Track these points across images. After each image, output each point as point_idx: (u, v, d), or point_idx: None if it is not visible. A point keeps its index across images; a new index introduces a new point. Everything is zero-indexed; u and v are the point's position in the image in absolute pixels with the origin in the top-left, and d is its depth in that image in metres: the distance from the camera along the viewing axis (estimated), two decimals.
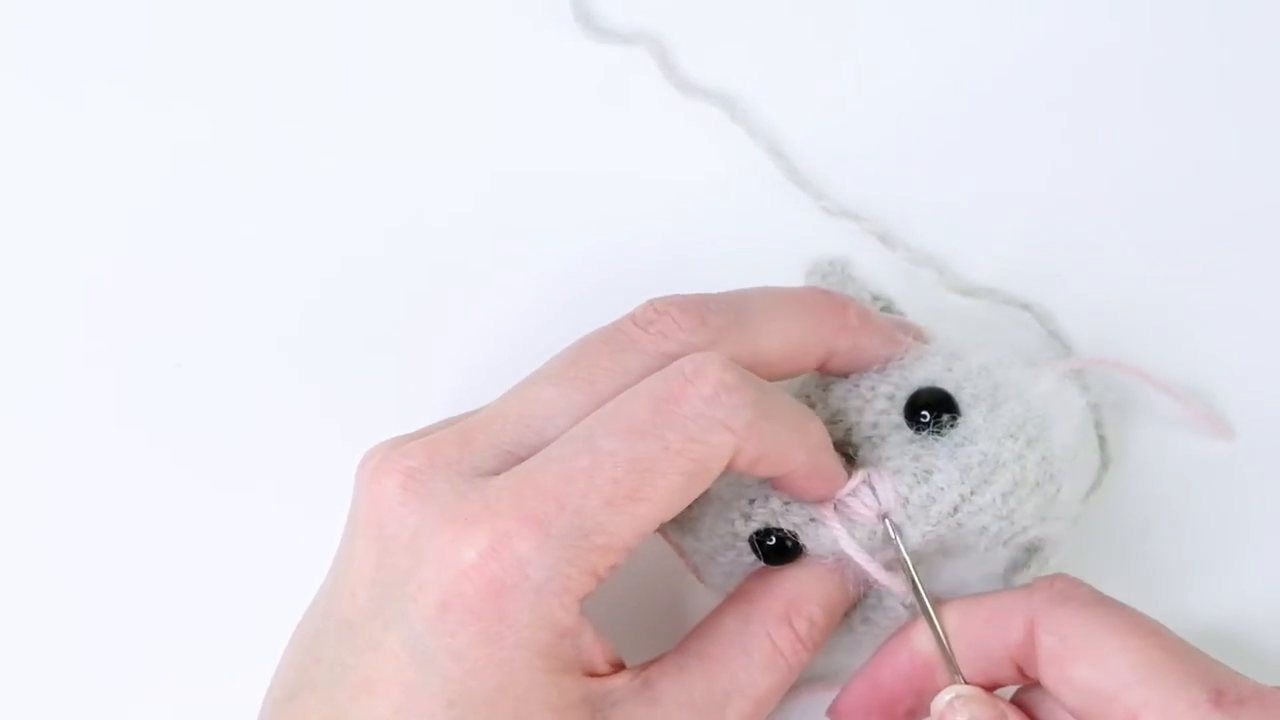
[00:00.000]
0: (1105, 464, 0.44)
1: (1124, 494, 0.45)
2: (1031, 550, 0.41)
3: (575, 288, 0.49)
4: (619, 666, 0.37)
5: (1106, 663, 0.35)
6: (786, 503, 0.39)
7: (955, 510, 0.39)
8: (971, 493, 0.38)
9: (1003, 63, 0.51)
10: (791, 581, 0.39)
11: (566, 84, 0.52)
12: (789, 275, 0.48)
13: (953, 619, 0.38)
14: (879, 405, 0.40)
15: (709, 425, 0.35)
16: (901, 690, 0.39)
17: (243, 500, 0.47)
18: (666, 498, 0.35)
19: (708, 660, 0.38)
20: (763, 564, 0.39)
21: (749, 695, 0.38)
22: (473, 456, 0.36)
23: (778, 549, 0.39)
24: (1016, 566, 0.41)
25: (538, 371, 0.39)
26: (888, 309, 0.43)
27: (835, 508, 0.38)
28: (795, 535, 0.39)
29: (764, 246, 0.48)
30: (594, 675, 0.37)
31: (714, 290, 0.40)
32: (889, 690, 0.39)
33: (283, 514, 0.47)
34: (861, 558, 0.38)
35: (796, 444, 0.37)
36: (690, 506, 0.39)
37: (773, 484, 0.39)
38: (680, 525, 0.40)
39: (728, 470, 0.36)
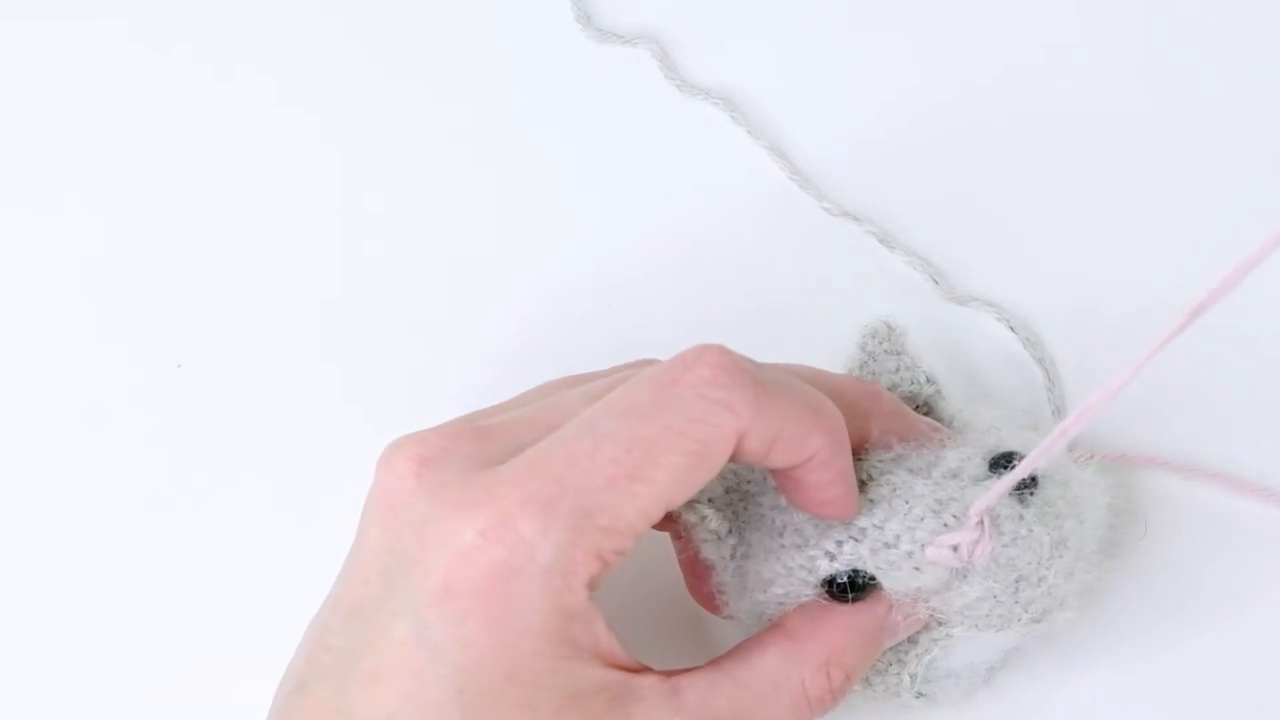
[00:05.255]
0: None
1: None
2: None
3: (576, 287, 0.49)
4: (644, 668, 0.37)
5: None
6: (874, 549, 0.38)
7: (1022, 579, 0.38)
8: (1042, 562, 0.38)
9: (1006, 64, 0.51)
10: (839, 631, 0.38)
11: (567, 85, 0.52)
12: (790, 276, 0.48)
13: None
14: (965, 452, 0.39)
15: (709, 406, 0.35)
16: None
17: (243, 501, 0.47)
18: (670, 479, 0.35)
19: (739, 686, 0.37)
20: (809, 601, 0.39)
21: None
22: (489, 451, 0.36)
23: (851, 587, 0.38)
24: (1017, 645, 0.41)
25: (577, 386, 0.38)
26: (936, 393, 0.43)
27: (924, 550, 0.38)
28: (874, 578, 0.38)
29: (764, 247, 0.48)
30: (615, 666, 0.36)
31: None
32: None
33: (283, 514, 0.47)
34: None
35: (812, 426, 0.36)
36: (748, 533, 0.39)
37: (788, 487, 0.38)
38: (737, 550, 0.40)
39: (742, 458, 0.36)
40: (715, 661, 0.38)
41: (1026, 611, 0.39)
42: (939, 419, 0.42)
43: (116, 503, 0.47)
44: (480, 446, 0.36)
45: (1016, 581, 0.38)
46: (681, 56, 0.52)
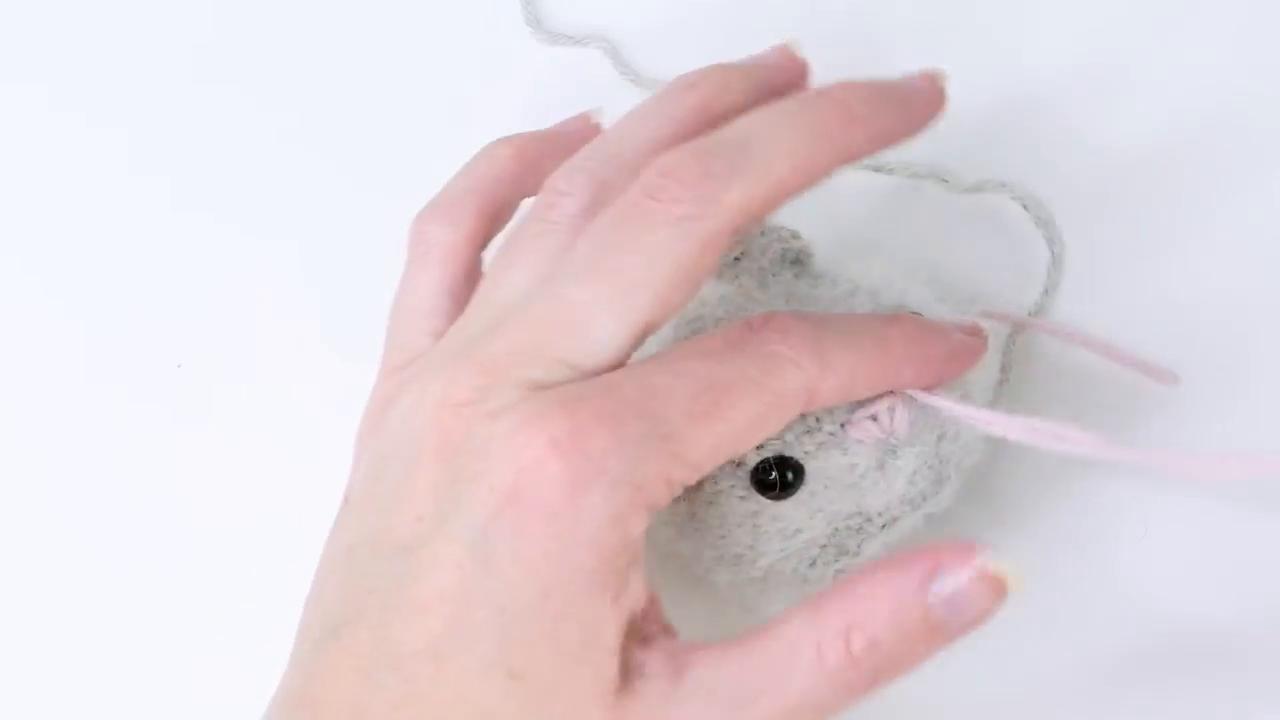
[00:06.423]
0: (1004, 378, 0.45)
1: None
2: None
3: None
4: (669, 631, 0.36)
5: None
6: (798, 435, 0.39)
7: (942, 436, 0.40)
8: (952, 413, 0.39)
9: (1001, 63, 0.51)
10: (864, 600, 0.35)
11: (522, 88, 0.53)
12: None
13: None
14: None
15: (781, 362, 0.36)
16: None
17: (243, 502, 0.47)
18: (744, 422, 0.35)
19: (750, 653, 0.35)
20: (743, 500, 0.40)
21: (778, 700, 0.34)
22: (529, 369, 0.35)
23: (780, 481, 0.39)
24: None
25: (557, 275, 0.36)
26: (805, 246, 0.43)
27: (845, 428, 0.39)
28: (802, 465, 0.39)
29: None
30: (638, 633, 0.35)
31: None
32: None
33: (284, 515, 0.47)
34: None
35: (886, 368, 0.38)
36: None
37: None
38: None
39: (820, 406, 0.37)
40: (739, 634, 0.36)
41: (951, 468, 0.40)
42: (813, 273, 0.43)
43: (116, 503, 0.47)
44: (518, 368, 0.35)
45: (938, 441, 0.40)
46: (634, 53, 0.53)
